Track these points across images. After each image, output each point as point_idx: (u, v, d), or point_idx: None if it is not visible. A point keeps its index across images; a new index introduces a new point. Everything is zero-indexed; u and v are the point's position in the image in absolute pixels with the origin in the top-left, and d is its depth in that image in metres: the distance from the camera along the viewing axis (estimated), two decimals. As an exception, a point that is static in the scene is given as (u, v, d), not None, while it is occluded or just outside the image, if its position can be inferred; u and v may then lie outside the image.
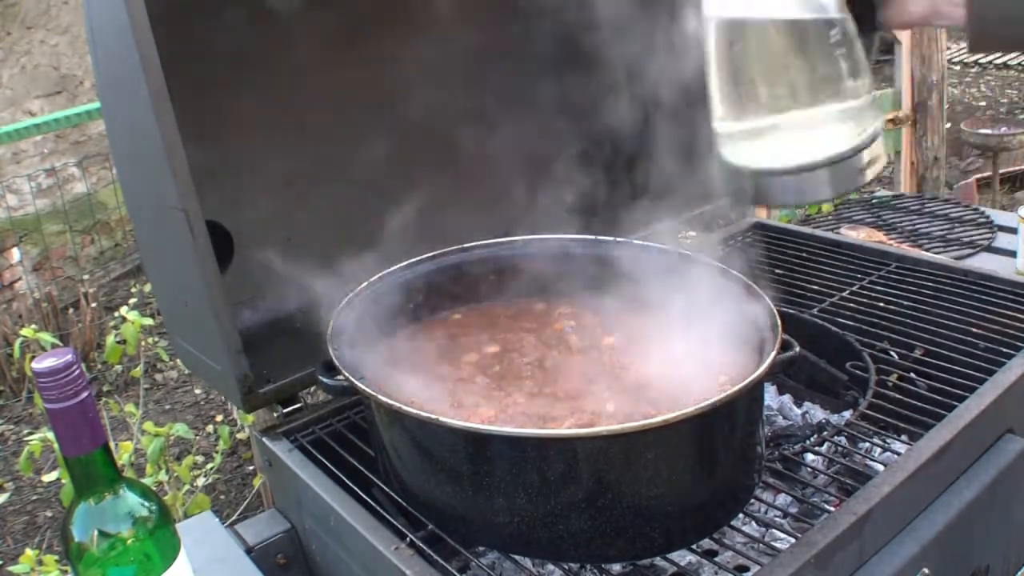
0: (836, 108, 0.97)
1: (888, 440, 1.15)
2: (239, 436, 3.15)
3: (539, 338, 1.18)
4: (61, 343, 3.49)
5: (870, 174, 0.98)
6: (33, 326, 2.72)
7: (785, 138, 0.99)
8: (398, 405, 0.92)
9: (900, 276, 1.51)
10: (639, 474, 0.88)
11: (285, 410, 1.24)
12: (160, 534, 0.87)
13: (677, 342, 1.09)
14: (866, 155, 0.97)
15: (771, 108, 0.97)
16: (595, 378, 1.06)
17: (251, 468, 3.08)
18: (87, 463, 0.83)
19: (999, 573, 1.18)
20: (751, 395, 0.94)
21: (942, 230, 2.74)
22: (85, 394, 0.80)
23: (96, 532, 0.84)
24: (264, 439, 1.20)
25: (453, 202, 1.40)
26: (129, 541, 0.84)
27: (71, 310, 4.17)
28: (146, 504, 0.86)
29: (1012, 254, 2.39)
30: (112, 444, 1.83)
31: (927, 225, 2.79)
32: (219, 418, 3.45)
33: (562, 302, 1.26)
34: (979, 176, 4.64)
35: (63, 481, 2.38)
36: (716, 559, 1.01)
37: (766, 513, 1.10)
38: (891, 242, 2.42)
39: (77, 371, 0.79)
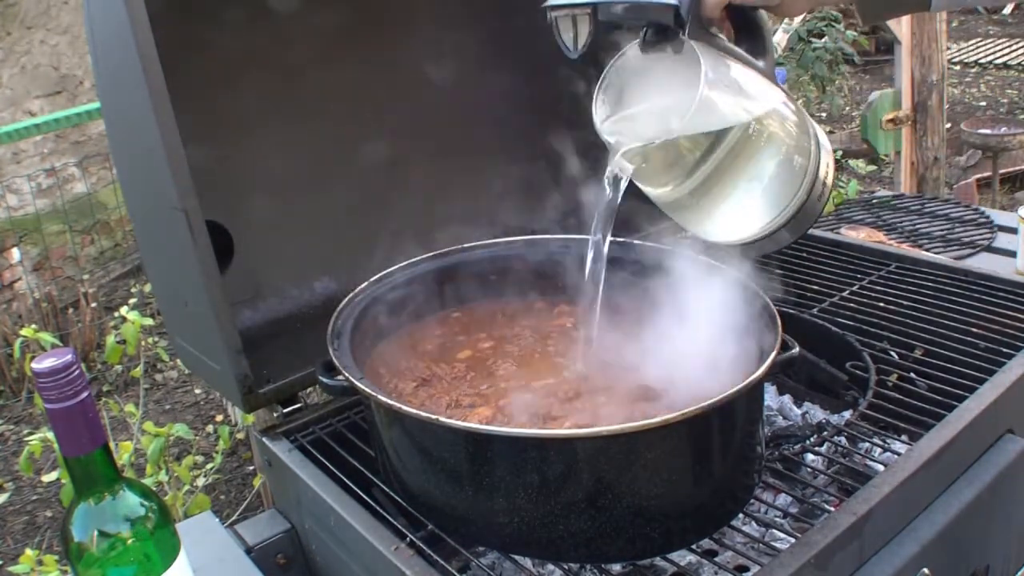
0: (768, 173, 0.96)
1: (888, 440, 1.15)
2: (239, 436, 3.15)
3: (538, 337, 1.19)
4: (61, 343, 3.49)
5: (827, 195, 0.98)
6: (33, 326, 2.71)
7: (726, 213, 1.00)
8: (398, 405, 0.92)
9: (900, 276, 1.51)
10: (639, 474, 0.88)
11: (285, 410, 1.24)
12: (160, 534, 0.87)
13: (677, 342, 1.09)
14: (816, 189, 0.97)
15: (693, 184, 0.97)
16: (595, 377, 1.06)
17: (251, 468, 3.08)
18: (87, 463, 0.83)
19: (999, 573, 1.18)
20: (751, 395, 0.94)
21: (942, 230, 2.74)
22: (85, 394, 0.80)
23: (96, 532, 0.84)
24: (264, 439, 1.20)
25: (454, 202, 1.40)
26: (129, 541, 0.84)
27: (71, 310, 4.17)
28: (146, 504, 0.86)
29: (1012, 254, 2.39)
30: (112, 444, 1.83)
31: (927, 225, 2.79)
32: (219, 418, 3.45)
33: (561, 302, 1.26)
34: (979, 176, 4.65)
35: (63, 481, 2.38)
36: (716, 559, 1.01)
37: (766, 513, 1.10)
38: (891, 242, 2.43)
39: (77, 371, 0.79)
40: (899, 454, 1.05)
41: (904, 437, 1.13)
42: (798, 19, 3.57)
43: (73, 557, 0.84)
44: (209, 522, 1.22)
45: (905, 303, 1.42)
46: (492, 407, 1.01)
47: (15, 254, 4.43)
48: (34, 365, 0.79)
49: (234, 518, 2.75)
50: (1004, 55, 7.55)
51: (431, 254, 1.27)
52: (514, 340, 1.18)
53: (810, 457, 1.15)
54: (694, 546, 0.98)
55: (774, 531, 1.05)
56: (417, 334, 1.21)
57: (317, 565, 1.17)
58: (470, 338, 1.20)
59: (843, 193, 3.12)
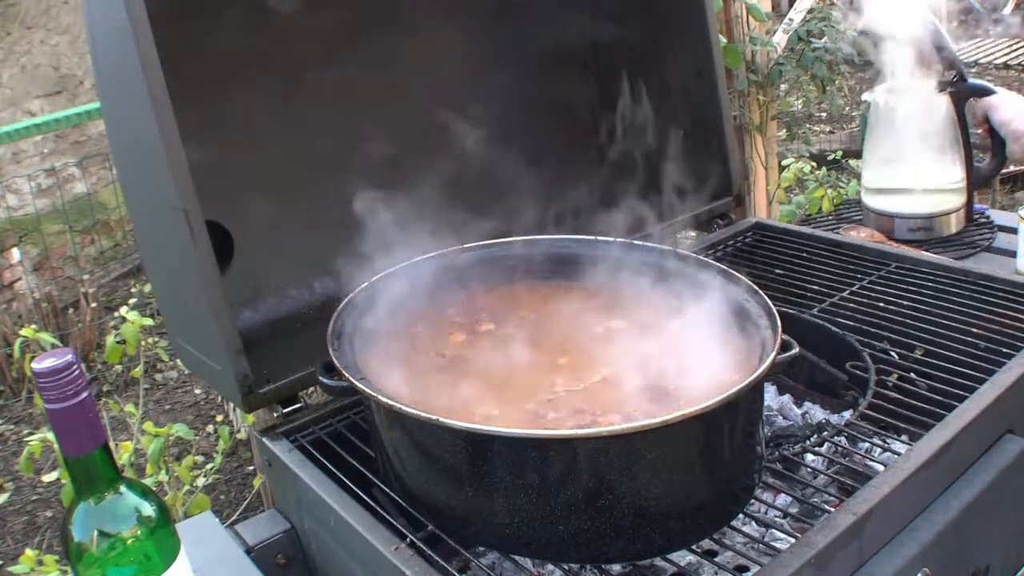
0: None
1: (888, 440, 1.15)
2: (239, 436, 3.15)
3: (538, 335, 1.18)
4: (61, 343, 3.49)
5: None
6: (33, 326, 2.71)
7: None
8: (398, 406, 0.92)
9: (900, 276, 1.51)
10: (639, 474, 0.88)
11: (285, 410, 1.24)
12: (160, 534, 0.87)
13: (677, 342, 1.09)
14: None
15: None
16: (597, 378, 1.06)
17: (251, 468, 3.08)
18: (87, 463, 0.83)
19: (999, 573, 1.18)
20: (751, 395, 0.94)
21: (942, 230, 2.73)
22: (85, 394, 0.80)
23: (96, 532, 0.84)
24: (264, 439, 1.20)
25: (454, 202, 1.40)
26: (129, 541, 0.84)
27: (71, 310, 4.17)
28: (146, 504, 0.86)
29: (1012, 254, 2.38)
30: (112, 444, 1.83)
31: (927, 225, 2.78)
32: (219, 418, 3.46)
33: (561, 302, 1.26)
34: (979, 176, 4.64)
35: (63, 481, 2.38)
36: (716, 559, 1.01)
37: (766, 513, 1.10)
38: (891, 242, 2.42)
39: (77, 371, 0.79)
40: (899, 454, 1.05)
41: (904, 437, 1.13)
42: (798, 19, 3.56)
43: (73, 557, 0.84)
44: (209, 522, 1.22)
45: (905, 303, 1.42)
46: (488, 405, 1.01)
47: (15, 254, 4.43)
48: (34, 365, 0.79)
49: (234, 518, 2.75)
50: (1004, 55, 7.54)
51: (432, 254, 1.27)
52: (516, 340, 1.18)
53: (810, 457, 1.15)
54: (694, 546, 0.98)
55: (774, 531, 1.05)
56: (416, 334, 1.21)
57: (317, 565, 1.17)
58: (470, 337, 1.19)
59: (843, 193, 3.12)
